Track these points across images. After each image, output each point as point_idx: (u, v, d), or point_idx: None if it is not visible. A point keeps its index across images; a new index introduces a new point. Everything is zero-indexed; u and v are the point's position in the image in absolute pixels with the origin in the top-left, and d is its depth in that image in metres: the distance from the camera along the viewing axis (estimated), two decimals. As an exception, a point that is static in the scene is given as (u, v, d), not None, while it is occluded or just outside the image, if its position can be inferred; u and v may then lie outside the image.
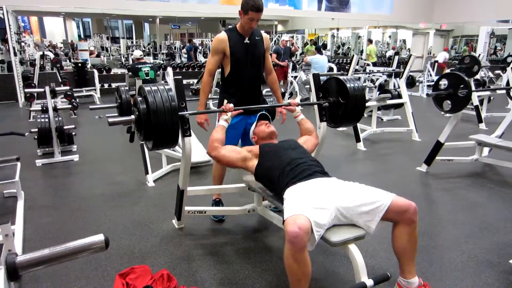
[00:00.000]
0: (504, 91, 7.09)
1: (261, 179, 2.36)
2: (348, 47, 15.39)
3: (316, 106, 2.73)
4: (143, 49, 14.88)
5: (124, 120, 2.16)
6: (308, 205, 1.88)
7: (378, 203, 1.91)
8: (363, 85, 2.63)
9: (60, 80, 7.82)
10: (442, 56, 12.55)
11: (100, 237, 1.11)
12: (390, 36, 15.54)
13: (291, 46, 9.79)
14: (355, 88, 2.56)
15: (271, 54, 2.81)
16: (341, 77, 2.63)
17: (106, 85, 9.67)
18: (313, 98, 2.76)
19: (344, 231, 1.95)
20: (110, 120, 2.13)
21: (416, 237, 1.97)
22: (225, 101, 2.54)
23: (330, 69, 8.62)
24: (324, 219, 1.85)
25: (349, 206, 1.94)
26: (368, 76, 8.83)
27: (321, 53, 8.60)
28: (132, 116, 2.17)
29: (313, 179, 2.10)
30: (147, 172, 3.77)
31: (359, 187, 2.06)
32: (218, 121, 2.85)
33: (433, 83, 6.82)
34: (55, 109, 4.48)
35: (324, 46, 15.92)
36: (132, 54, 13.77)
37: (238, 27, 2.72)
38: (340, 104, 2.62)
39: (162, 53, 14.56)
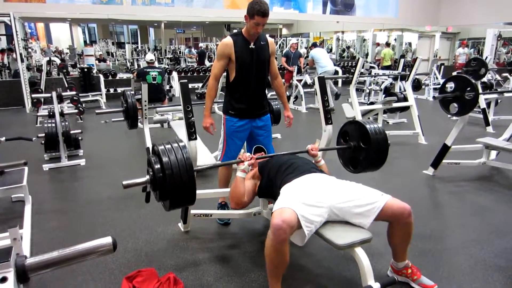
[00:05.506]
0: (511, 94, 7.05)
1: (263, 190, 2.37)
2: (352, 57, 15.34)
3: (321, 110, 2.73)
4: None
5: (139, 182, 2.06)
6: (298, 199, 1.93)
7: (372, 205, 1.96)
8: (380, 127, 2.48)
9: (66, 85, 7.88)
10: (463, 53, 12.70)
11: (108, 240, 1.12)
12: (395, 39, 15.50)
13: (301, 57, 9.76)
14: (376, 131, 2.44)
15: (276, 58, 2.80)
16: (361, 121, 2.54)
17: (112, 90, 9.74)
18: (318, 102, 2.75)
19: (350, 234, 1.95)
20: (125, 183, 1.99)
21: (410, 234, 2.04)
22: (242, 151, 2.51)
23: (336, 72, 8.61)
24: (314, 215, 1.91)
25: (343, 207, 1.99)
26: (374, 79, 8.82)
27: (316, 46, 8.77)
28: (147, 177, 2.05)
29: (308, 174, 2.18)
30: (153, 176, 3.77)
31: (354, 187, 2.10)
32: (224, 124, 2.87)
33: (439, 86, 6.80)
34: (61, 114, 4.51)
35: (329, 49, 15.97)
36: (137, 59, 13.92)
37: (243, 31, 2.72)
38: (362, 149, 2.52)
39: (167, 58, 14.64)
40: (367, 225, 1.98)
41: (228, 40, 2.71)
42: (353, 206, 1.98)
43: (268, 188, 2.30)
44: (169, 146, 2.00)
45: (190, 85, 2.63)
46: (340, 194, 2.03)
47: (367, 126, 2.45)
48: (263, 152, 2.68)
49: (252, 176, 2.45)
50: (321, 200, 1.98)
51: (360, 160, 2.55)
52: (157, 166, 1.97)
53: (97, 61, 11.96)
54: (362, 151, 2.52)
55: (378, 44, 13.90)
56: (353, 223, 2.01)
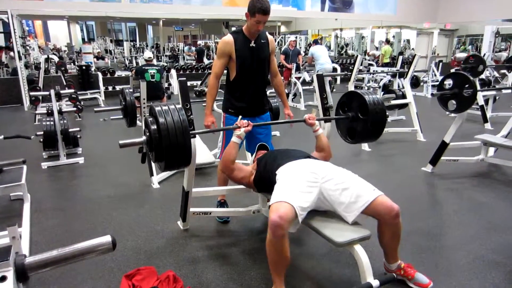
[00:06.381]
0: (509, 91, 7.06)
1: (260, 180, 2.38)
2: (350, 55, 15.33)
3: (320, 107, 2.74)
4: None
5: (135, 142, 2.09)
6: (296, 189, 1.96)
7: (360, 197, 1.97)
8: (378, 97, 2.50)
9: (64, 83, 7.86)
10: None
11: (107, 238, 1.11)
12: (394, 36, 15.49)
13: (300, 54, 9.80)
14: (375, 102, 2.46)
15: (275, 55, 2.78)
16: (359, 91, 2.55)
17: (110, 88, 9.72)
18: (317, 99, 2.75)
19: (349, 231, 1.96)
20: (121, 142, 2.04)
21: (399, 235, 2.05)
22: (240, 117, 2.51)
23: (334, 69, 8.61)
24: (308, 202, 1.95)
25: (331, 189, 2.01)
26: (372, 77, 8.82)
27: (317, 43, 8.80)
28: (143, 137, 2.11)
29: (303, 159, 2.23)
30: (152, 174, 3.78)
31: (348, 175, 2.12)
32: (224, 123, 2.87)
33: (437, 83, 6.80)
34: (60, 112, 4.50)
35: (328, 47, 15.97)
36: (135, 57, 13.88)
37: (244, 29, 2.69)
38: (360, 120, 2.53)
39: (166, 55, 14.60)
40: (352, 218, 1.98)
41: (229, 38, 2.69)
42: (341, 192, 1.99)
43: (265, 178, 2.30)
44: (166, 107, 2.04)
45: (188, 83, 2.62)
46: (333, 178, 2.05)
47: (366, 96, 2.47)
48: (266, 151, 2.67)
49: (251, 168, 2.50)
50: (314, 181, 2.02)
51: (358, 131, 2.57)
52: (154, 126, 2.01)
53: (95, 59, 11.94)
54: (360, 122, 2.54)
55: (368, 54, 13.91)
56: (339, 212, 2.03)
